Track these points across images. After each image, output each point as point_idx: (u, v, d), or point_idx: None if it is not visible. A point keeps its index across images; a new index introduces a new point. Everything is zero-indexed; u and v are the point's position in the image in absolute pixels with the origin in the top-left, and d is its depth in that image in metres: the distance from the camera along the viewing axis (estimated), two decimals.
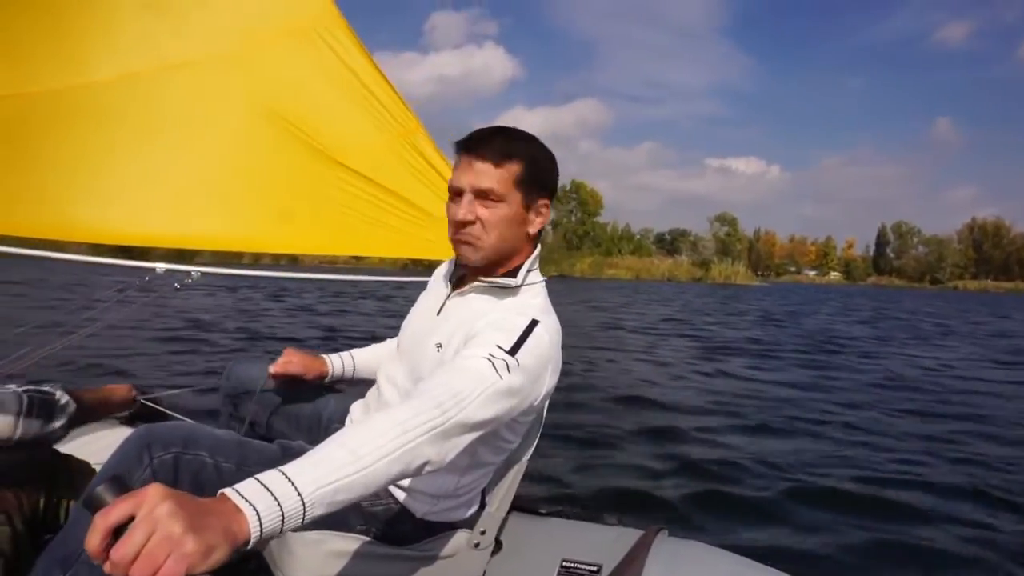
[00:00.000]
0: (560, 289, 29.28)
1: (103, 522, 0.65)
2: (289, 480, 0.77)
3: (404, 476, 0.91)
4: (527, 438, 1.40)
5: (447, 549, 1.31)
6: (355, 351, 1.61)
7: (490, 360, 1.05)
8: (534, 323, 1.14)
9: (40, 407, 1.30)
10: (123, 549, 0.63)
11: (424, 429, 0.92)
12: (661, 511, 3.06)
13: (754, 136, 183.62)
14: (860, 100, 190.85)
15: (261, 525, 0.72)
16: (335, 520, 1.19)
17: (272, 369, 1.48)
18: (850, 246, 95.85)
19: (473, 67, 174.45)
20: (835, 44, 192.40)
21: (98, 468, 1.31)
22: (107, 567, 0.64)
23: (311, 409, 1.54)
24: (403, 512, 1.27)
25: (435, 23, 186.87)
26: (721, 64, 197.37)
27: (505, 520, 1.46)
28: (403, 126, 1.93)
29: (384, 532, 1.24)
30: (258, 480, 0.76)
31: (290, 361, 1.49)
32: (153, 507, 0.66)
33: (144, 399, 2.02)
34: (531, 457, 1.45)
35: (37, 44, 1.72)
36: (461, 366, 1.05)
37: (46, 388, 1.39)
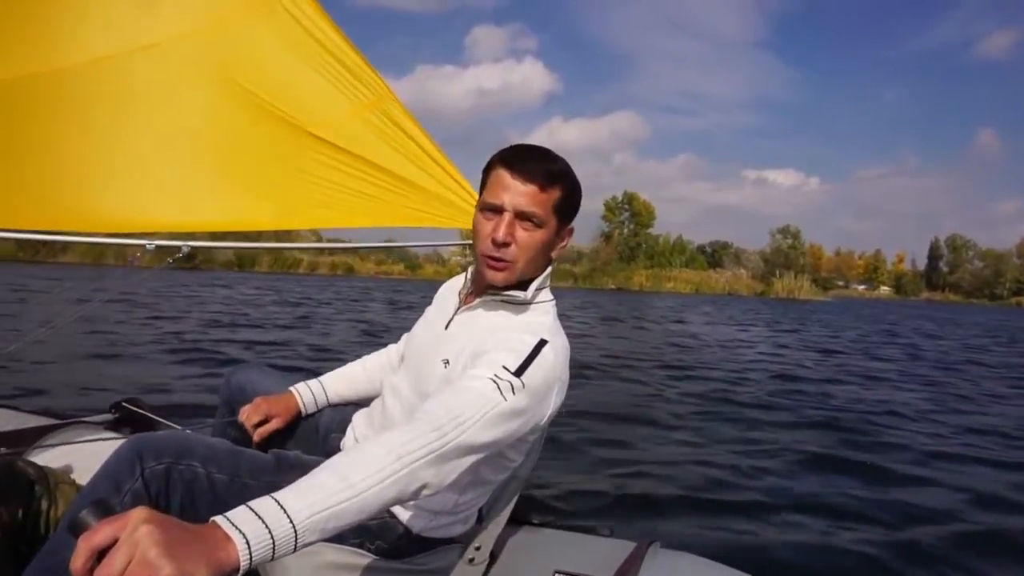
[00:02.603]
0: (665, 304, 28.86)
1: (86, 545, 0.67)
2: (281, 507, 0.78)
3: (401, 500, 0.92)
4: (528, 455, 1.39)
5: (442, 564, 1.32)
6: (325, 377, 1.61)
7: (495, 381, 1.06)
8: (542, 343, 1.15)
9: None
10: (105, 571, 0.66)
11: (421, 454, 0.92)
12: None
13: (792, 148, 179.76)
14: (900, 111, 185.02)
15: (251, 552, 0.73)
16: None
17: (256, 438, 1.46)
18: (900, 260, 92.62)
19: (512, 81, 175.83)
20: (874, 55, 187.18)
21: (78, 478, 1.38)
22: None
23: (308, 419, 1.55)
24: (399, 527, 1.27)
25: (476, 37, 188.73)
26: (758, 75, 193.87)
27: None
28: (374, 94, 1.93)
29: (379, 546, 1.25)
30: (249, 507, 0.77)
31: (267, 417, 1.48)
32: (134, 530, 0.67)
33: (126, 402, 2.05)
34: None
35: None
36: (464, 387, 1.06)
37: None
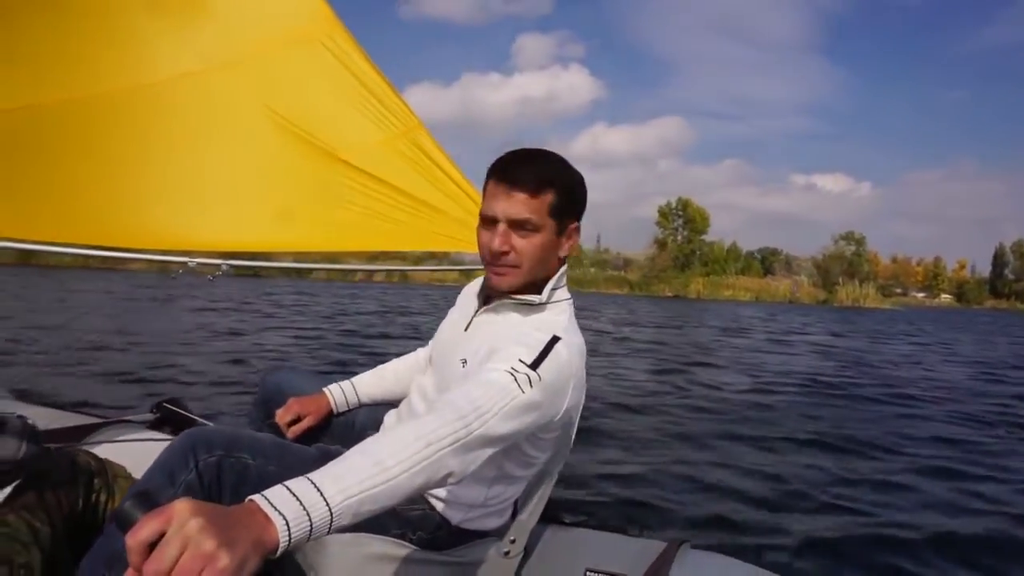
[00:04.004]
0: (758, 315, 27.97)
1: (134, 541, 0.65)
2: (317, 489, 0.78)
3: (427, 487, 0.93)
4: (558, 451, 1.42)
5: (478, 556, 1.36)
6: (357, 378, 1.65)
7: (512, 374, 1.07)
8: (555, 339, 1.16)
9: None
10: (155, 565, 0.64)
11: (448, 441, 0.93)
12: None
13: (842, 152, 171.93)
14: (957, 113, 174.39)
15: (290, 534, 0.73)
16: (372, 523, 1.21)
17: (290, 435, 1.49)
18: (961, 267, 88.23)
19: (558, 88, 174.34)
20: (930, 56, 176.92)
21: (132, 471, 1.41)
22: None
23: (344, 417, 1.60)
24: (438, 519, 1.32)
25: (522, 45, 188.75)
26: (808, 79, 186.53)
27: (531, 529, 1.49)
28: (404, 124, 2.03)
29: (419, 537, 1.29)
30: (287, 488, 0.77)
31: (299, 416, 1.53)
32: (183, 523, 0.66)
33: (167, 403, 2.15)
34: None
35: (50, 55, 1.89)
36: (484, 379, 1.07)
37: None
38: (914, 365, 11.22)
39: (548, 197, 1.20)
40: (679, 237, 64.44)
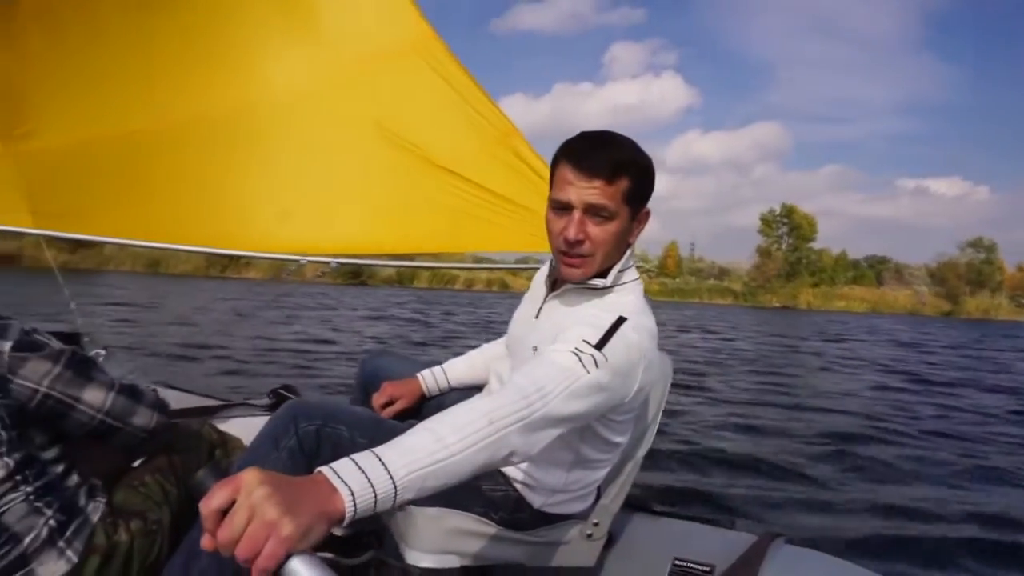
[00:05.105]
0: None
1: (206, 508, 0.69)
2: (383, 464, 0.80)
3: (491, 466, 0.93)
4: (639, 435, 1.44)
5: (560, 537, 1.39)
6: (448, 364, 1.71)
7: (576, 354, 1.06)
8: (621, 320, 1.15)
9: (129, 391, 1.33)
10: (226, 533, 0.68)
11: (511, 420, 0.93)
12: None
13: (955, 154, 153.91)
14: None
15: (356, 505, 0.75)
16: (456, 500, 1.29)
17: (385, 415, 1.56)
18: None
19: (650, 96, 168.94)
20: None
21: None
22: (217, 545, 0.70)
23: (435, 401, 1.67)
24: (521, 501, 1.35)
25: (615, 54, 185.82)
26: (913, 77, 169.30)
27: (619, 516, 1.50)
28: (499, 130, 2.13)
29: (502, 516, 1.33)
30: (354, 461, 0.79)
31: (392, 399, 1.60)
32: (251, 492, 0.69)
33: (282, 389, 2.36)
34: (647, 455, 1.50)
35: (171, 80, 2.10)
36: (549, 360, 1.07)
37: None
38: None
39: (623, 183, 1.18)
40: (783, 245, 61.63)
